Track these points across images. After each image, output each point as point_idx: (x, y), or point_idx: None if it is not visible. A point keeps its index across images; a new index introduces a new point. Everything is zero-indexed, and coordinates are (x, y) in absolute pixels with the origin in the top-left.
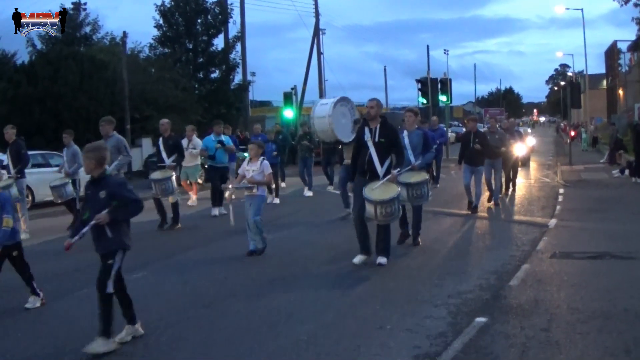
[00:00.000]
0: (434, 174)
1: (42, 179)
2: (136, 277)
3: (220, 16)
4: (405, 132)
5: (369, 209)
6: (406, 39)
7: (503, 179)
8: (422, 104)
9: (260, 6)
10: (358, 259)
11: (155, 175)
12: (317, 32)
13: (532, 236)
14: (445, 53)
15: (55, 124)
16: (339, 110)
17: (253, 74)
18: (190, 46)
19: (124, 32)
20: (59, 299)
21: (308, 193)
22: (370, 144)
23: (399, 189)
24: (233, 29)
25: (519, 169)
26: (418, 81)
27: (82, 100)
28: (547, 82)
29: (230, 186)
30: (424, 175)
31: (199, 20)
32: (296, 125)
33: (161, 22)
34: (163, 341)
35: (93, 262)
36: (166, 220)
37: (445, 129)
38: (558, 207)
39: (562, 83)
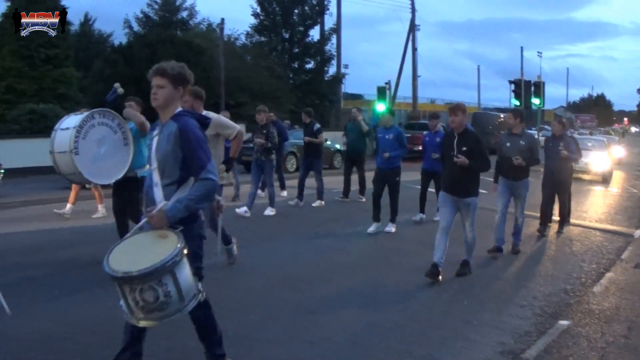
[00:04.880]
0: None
1: None
2: None
3: (317, 7)
4: (157, 130)
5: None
6: (498, 37)
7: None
8: (515, 105)
9: None
10: None
11: None
12: (412, 27)
13: (617, 245)
14: (538, 55)
15: (149, 104)
16: (94, 134)
17: (346, 66)
18: (287, 36)
19: (222, 19)
20: None
21: (268, 211)
22: None
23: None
24: (329, 21)
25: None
26: (511, 82)
27: None
28: (639, 90)
29: None
30: (172, 243)
31: (296, 11)
32: None
33: (258, 10)
34: (252, 319)
35: None
36: None
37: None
38: None
39: None
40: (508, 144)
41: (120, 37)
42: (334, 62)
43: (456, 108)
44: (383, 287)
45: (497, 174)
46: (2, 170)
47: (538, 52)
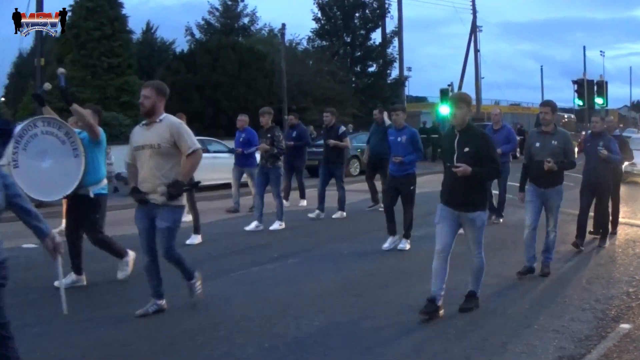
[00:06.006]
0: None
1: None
2: (291, 262)
3: (378, 10)
4: None
5: None
6: (561, 37)
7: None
8: (578, 105)
9: (415, 0)
10: None
11: None
12: (474, 29)
13: None
14: (601, 54)
15: (213, 111)
16: (36, 145)
17: (409, 69)
18: (348, 40)
19: (283, 24)
20: (215, 279)
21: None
22: None
23: None
24: (390, 24)
25: None
26: (574, 82)
27: (241, 90)
28: None
29: None
30: None
31: (356, 14)
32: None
33: (319, 15)
34: (315, 325)
35: (249, 245)
36: None
37: (512, 129)
38: None
39: None
40: (537, 144)
41: (182, 45)
42: (397, 65)
43: (459, 99)
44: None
45: (523, 180)
46: None
47: (601, 51)
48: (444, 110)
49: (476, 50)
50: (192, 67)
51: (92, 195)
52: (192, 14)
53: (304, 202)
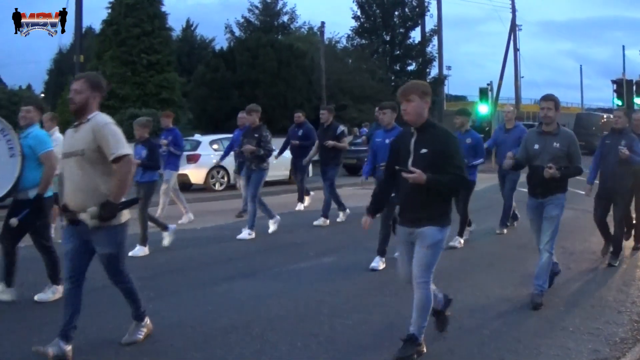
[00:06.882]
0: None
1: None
2: (326, 260)
3: (417, 9)
4: None
5: None
6: (600, 36)
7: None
8: (617, 105)
9: None
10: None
11: None
12: (513, 28)
13: None
14: None
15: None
16: None
17: (448, 67)
18: (387, 38)
19: (322, 22)
20: (249, 277)
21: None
22: None
23: None
24: (429, 22)
25: None
26: (613, 82)
27: (280, 87)
28: None
29: None
30: None
31: (396, 13)
32: (491, 122)
33: (359, 13)
34: (349, 324)
35: (285, 243)
36: None
37: (525, 129)
38: None
39: None
40: (536, 147)
41: (222, 42)
42: (436, 63)
43: (408, 90)
44: (480, 293)
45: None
46: None
47: None
48: (483, 109)
49: (515, 49)
50: (232, 64)
51: (30, 197)
52: (231, 11)
53: (301, 206)
